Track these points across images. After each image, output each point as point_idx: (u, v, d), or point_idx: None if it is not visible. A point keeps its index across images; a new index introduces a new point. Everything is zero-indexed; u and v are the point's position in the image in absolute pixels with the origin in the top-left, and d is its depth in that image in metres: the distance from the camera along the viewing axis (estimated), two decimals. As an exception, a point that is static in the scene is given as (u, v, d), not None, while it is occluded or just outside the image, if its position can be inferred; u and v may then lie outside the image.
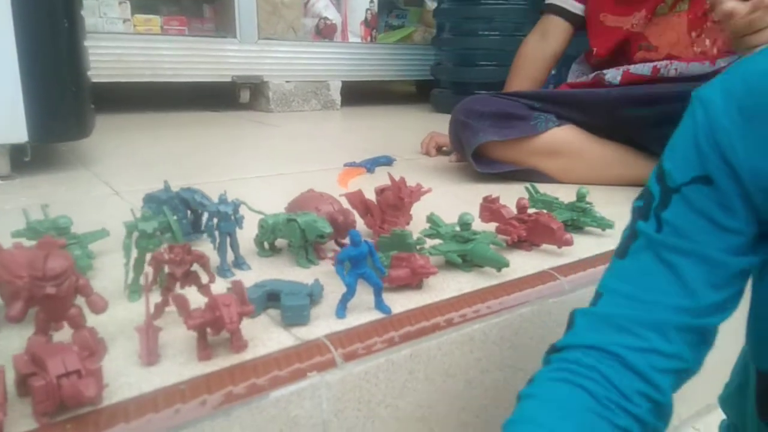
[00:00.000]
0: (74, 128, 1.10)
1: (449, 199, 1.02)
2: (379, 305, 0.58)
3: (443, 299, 0.61)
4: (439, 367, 0.58)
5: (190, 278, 0.53)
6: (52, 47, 1.04)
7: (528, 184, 0.90)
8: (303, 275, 0.67)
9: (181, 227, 0.73)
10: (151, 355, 0.48)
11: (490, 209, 0.80)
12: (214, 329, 0.48)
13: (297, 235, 0.68)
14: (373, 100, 2.64)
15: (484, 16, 2.26)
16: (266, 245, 0.72)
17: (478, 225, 0.81)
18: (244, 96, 2.28)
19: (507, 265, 0.66)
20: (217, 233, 0.66)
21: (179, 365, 0.48)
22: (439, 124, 2.13)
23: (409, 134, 1.88)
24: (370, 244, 0.57)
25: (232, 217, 0.66)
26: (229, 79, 2.19)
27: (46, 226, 0.68)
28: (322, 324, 0.55)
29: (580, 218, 0.82)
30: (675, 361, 0.43)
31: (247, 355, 0.49)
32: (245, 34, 2.18)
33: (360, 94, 2.55)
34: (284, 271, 0.68)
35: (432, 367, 0.57)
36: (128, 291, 0.60)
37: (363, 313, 0.57)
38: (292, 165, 1.28)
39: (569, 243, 0.72)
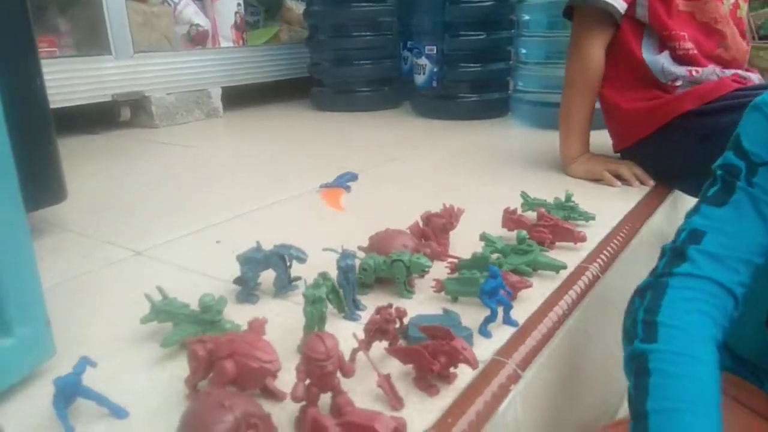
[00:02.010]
0: (53, 192, 1.04)
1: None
2: (509, 321, 0.73)
3: (542, 304, 0.78)
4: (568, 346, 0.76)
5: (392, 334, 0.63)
6: (27, 107, 0.97)
7: (521, 192, 1.10)
8: (408, 304, 0.79)
9: (283, 280, 0.81)
10: (398, 400, 0.58)
11: (512, 219, 0.98)
12: (445, 368, 0.60)
13: (403, 271, 0.79)
14: (253, 101, 2.64)
15: (356, 18, 2.40)
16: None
17: (500, 233, 1.00)
18: (125, 114, 2.16)
19: (565, 267, 0.85)
20: (345, 283, 0.75)
21: (421, 403, 0.59)
22: (325, 122, 2.26)
23: (321, 139, 1.98)
24: (499, 273, 0.71)
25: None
26: (109, 98, 2.05)
27: (176, 305, 0.71)
28: (480, 346, 0.69)
29: (570, 215, 1.04)
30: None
31: (461, 383, 0.62)
32: (120, 48, 2.05)
33: (240, 98, 2.54)
34: (395, 304, 0.79)
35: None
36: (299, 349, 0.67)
37: (497, 331, 0.72)
38: (256, 196, 1.30)
39: (584, 239, 0.94)
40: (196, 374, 0.59)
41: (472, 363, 0.57)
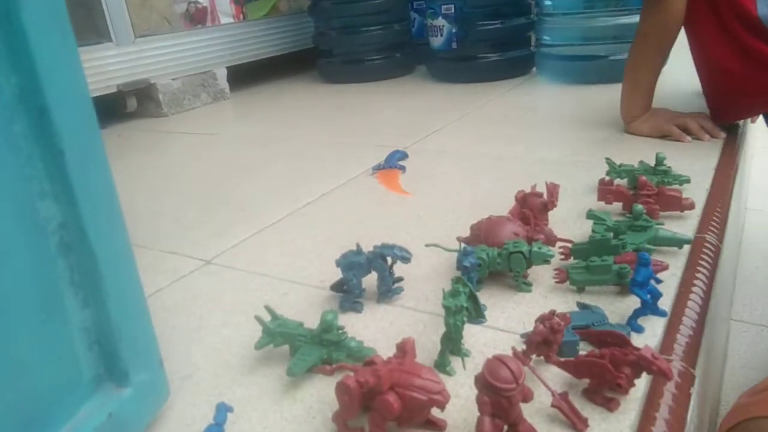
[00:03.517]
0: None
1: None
2: (656, 310, 0.66)
3: (680, 284, 0.71)
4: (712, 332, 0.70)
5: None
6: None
7: (606, 158, 1.02)
8: (529, 298, 0.72)
9: (388, 283, 0.73)
10: (581, 421, 0.51)
11: (611, 191, 0.91)
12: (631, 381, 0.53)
13: (523, 264, 0.72)
14: (259, 79, 2.51)
15: (361, -20, 2.26)
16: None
17: (595, 206, 0.93)
18: (131, 104, 2.03)
19: (690, 241, 0.78)
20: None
21: (605, 420, 0.52)
22: (339, 95, 2.16)
23: (342, 116, 1.88)
24: (650, 260, 0.64)
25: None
26: (114, 89, 1.92)
27: (291, 326, 0.63)
28: (635, 342, 0.62)
29: (663, 180, 0.97)
30: None
31: (636, 393, 0.55)
32: (120, 34, 1.91)
33: (245, 77, 2.41)
34: (513, 299, 0.72)
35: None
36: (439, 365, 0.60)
37: (647, 323, 0.65)
38: (305, 184, 1.22)
39: (693, 206, 0.87)
40: (348, 410, 0.52)
41: (668, 374, 0.50)
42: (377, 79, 2.35)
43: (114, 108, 2.02)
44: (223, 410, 0.51)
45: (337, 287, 0.75)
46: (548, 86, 1.96)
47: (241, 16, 2.38)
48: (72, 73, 0.44)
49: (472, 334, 0.66)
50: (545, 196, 0.84)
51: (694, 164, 1.09)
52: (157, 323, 0.76)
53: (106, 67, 1.88)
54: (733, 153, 1.17)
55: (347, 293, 0.74)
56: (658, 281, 0.66)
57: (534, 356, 0.57)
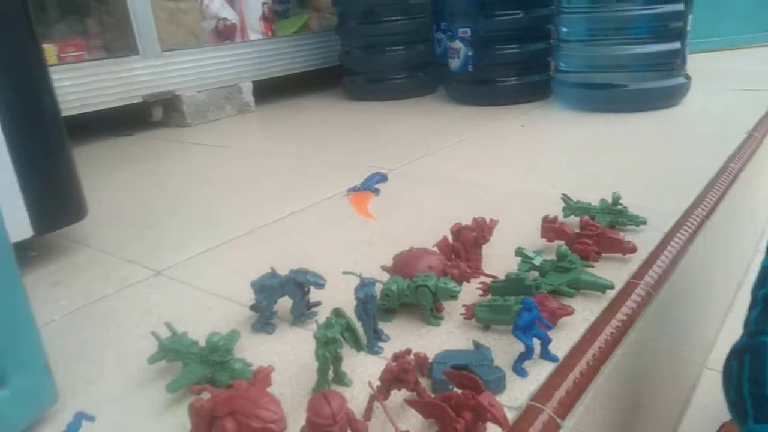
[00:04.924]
0: (73, 210, 1.01)
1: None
2: (547, 355, 0.65)
3: (586, 330, 0.70)
4: (621, 381, 0.68)
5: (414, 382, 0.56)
6: (39, 128, 0.94)
7: (562, 194, 1.00)
8: (436, 332, 0.72)
9: (300, 308, 0.75)
10: (419, 463, 0.52)
11: (553, 229, 0.89)
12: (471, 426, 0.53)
13: (429, 298, 0.72)
14: (285, 94, 2.59)
15: (386, 1, 2.30)
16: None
17: (539, 244, 0.91)
18: (157, 114, 2.14)
19: (612, 287, 0.76)
20: (364, 314, 0.69)
21: (446, 465, 0.52)
22: (357, 113, 2.20)
23: (352, 134, 1.92)
24: (535, 305, 0.63)
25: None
26: (139, 99, 2.04)
27: (185, 343, 0.66)
28: (514, 386, 0.62)
29: (618, 220, 0.94)
30: None
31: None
32: (147, 48, 2.03)
33: (271, 91, 2.49)
34: (418, 332, 0.73)
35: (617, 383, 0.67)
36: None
37: (534, 368, 0.64)
38: (284, 201, 1.25)
39: (634, 250, 0.84)
40: (197, 431, 0.54)
41: (502, 422, 0.50)
42: (399, 97, 2.38)
43: (141, 117, 2.14)
44: (79, 419, 0.54)
45: (254, 308, 0.78)
46: (562, 113, 1.93)
47: (270, 33, 2.47)
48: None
49: (362, 364, 0.67)
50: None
51: (666, 203, 1.05)
52: (87, 330, 0.81)
53: (133, 78, 2.00)
54: (717, 190, 1.12)
55: (260, 314, 0.76)
56: (549, 326, 0.65)
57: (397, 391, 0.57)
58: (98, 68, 1.90)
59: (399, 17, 2.31)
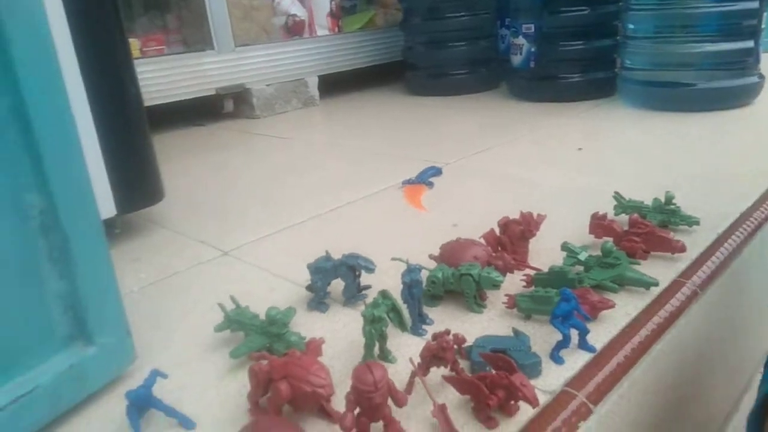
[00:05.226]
0: (152, 193, 1.11)
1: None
2: (585, 346, 0.67)
3: (626, 326, 0.71)
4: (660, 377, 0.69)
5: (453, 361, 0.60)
6: (124, 117, 1.03)
7: (614, 192, 1.01)
8: (478, 320, 0.76)
9: (351, 290, 0.80)
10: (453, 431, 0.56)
11: (602, 225, 0.91)
12: (503, 403, 0.57)
13: (472, 286, 0.76)
14: (348, 88, 2.66)
15: (451, -2, 2.32)
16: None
17: (587, 240, 0.93)
18: (228, 106, 2.26)
19: (657, 284, 0.77)
20: (409, 298, 0.73)
21: (479, 438, 0.56)
22: (418, 107, 2.24)
23: (411, 128, 1.96)
24: (573, 296, 0.66)
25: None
26: (213, 92, 2.16)
27: (247, 316, 0.73)
28: (550, 372, 0.64)
29: (670, 219, 0.94)
30: None
31: (522, 417, 0.58)
32: (222, 43, 2.14)
33: (335, 85, 2.57)
34: (461, 318, 0.77)
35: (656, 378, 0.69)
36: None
37: (571, 356, 0.67)
38: (342, 191, 1.31)
39: (684, 249, 0.85)
40: (255, 392, 0.60)
41: (532, 401, 0.54)
42: (460, 93, 2.40)
43: (213, 108, 2.26)
44: (154, 376, 0.61)
45: (309, 288, 0.84)
46: (626, 111, 1.90)
47: (336, 29, 2.54)
48: (54, 94, 0.57)
49: (407, 344, 0.72)
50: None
51: (724, 205, 1.04)
52: (163, 301, 0.90)
53: (208, 71, 2.12)
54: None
55: (314, 294, 0.82)
56: (588, 318, 0.68)
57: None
58: (176, 62, 2.03)
59: (463, 13, 2.33)
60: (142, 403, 0.60)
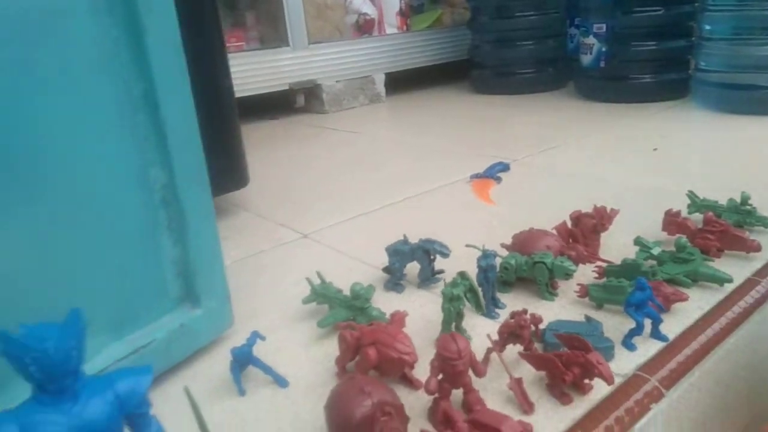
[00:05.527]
0: (240, 177, 1.19)
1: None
2: (658, 335, 0.70)
3: (698, 319, 0.73)
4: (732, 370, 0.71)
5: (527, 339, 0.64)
6: (219, 107, 1.12)
7: (688, 191, 1.01)
8: (549, 307, 0.79)
9: (426, 273, 0.85)
10: (529, 404, 0.60)
11: (675, 222, 0.92)
12: (579, 380, 0.60)
13: (545, 274, 0.79)
14: (413, 86, 2.71)
15: (521, -3, 2.33)
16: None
17: (659, 238, 0.94)
18: (300, 101, 2.35)
19: (731, 280, 0.78)
20: (484, 281, 0.77)
21: (553, 410, 0.60)
22: (484, 106, 2.26)
23: (476, 125, 1.98)
24: (648, 286, 0.68)
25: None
26: (286, 87, 2.25)
27: (332, 290, 0.79)
28: (622, 357, 0.67)
29: (745, 219, 0.94)
30: None
31: (596, 395, 0.61)
32: (297, 40, 2.23)
33: (401, 83, 2.62)
34: (532, 305, 0.80)
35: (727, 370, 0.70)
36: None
37: (644, 344, 0.69)
38: (411, 184, 1.36)
39: (759, 249, 0.85)
40: (344, 356, 0.66)
41: (608, 378, 0.57)
42: (526, 92, 2.40)
43: (286, 103, 2.36)
44: (255, 336, 0.68)
45: (386, 270, 0.89)
46: (699, 113, 1.86)
47: (405, 27, 2.59)
48: (179, 81, 0.64)
49: (480, 325, 0.76)
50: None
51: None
52: (250, 275, 0.97)
53: (282, 68, 2.21)
54: None
55: (391, 275, 0.87)
56: (662, 308, 0.70)
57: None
58: (254, 57, 2.14)
59: (532, 12, 2.34)
60: (244, 360, 0.66)
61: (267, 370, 0.67)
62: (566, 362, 0.59)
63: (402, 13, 2.58)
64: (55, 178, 0.57)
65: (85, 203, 0.60)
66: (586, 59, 2.13)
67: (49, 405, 0.36)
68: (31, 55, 0.54)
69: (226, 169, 1.15)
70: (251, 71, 2.13)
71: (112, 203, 0.62)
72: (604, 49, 2.05)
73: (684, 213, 0.97)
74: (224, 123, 1.13)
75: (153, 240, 0.67)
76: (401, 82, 2.62)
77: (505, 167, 1.39)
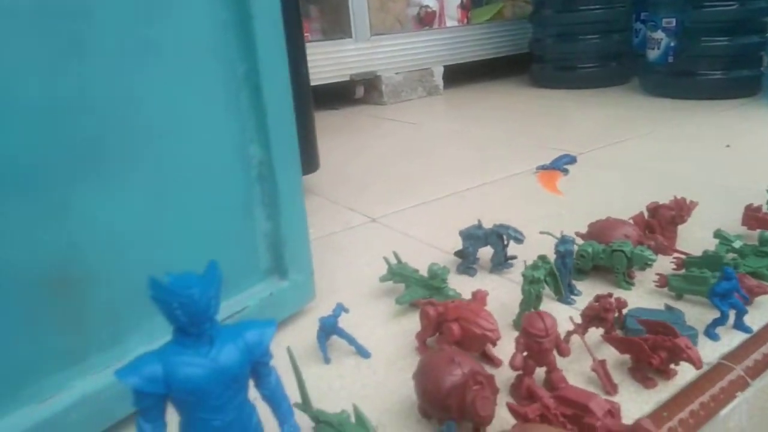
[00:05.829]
0: (312, 162, 1.23)
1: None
2: (741, 326, 0.69)
3: (783, 312, 0.72)
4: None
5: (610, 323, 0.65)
6: (296, 93, 1.15)
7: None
8: (626, 296, 0.79)
9: (500, 258, 0.86)
10: (612, 386, 0.61)
11: (756, 217, 0.90)
12: (665, 364, 0.60)
13: (624, 262, 0.79)
14: (471, 78, 2.71)
15: (586, -10, 2.30)
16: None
17: (738, 232, 0.92)
18: (359, 92, 2.38)
19: (817, 275, 0.77)
20: (562, 267, 0.78)
21: (637, 393, 0.61)
22: (544, 99, 2.24)
23: (537, 119, 1.97)
24: (735, 276, 0.68)
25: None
26: (347, 78, 2.29)
27: (408, 270, 0.82)
28: (706, 347, 0.67)
29: (831, 217, 0.92)
30: None
31: (680, 380, 0.62)
32: (359, 32, 2.26)
33: (459, 75, 2.63)
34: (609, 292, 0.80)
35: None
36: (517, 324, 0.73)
37: (727, 334, 0.69)
38: (474, 173, 1.38)
39: None
40: (426, 331, 0.68)
41: (696, 362, 0.57)
42: (588, 86, 2.37)
43: (345, 93, 2.40)
44: (340, 308, 0.71)
45: (459, 253, 0.91)
46: (772, 111, 1.80)
47: (465, 20, 2.59)
48: (278, 63, 0.68)
49: (555, 310, 0.77)
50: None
51: None
52: (324, 254, 1.01)
53: (344, 59, 2.25)
54: None
55: (464, 259, 0.89)
56: (746, 298, 0.69)
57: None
58: (318, 48, 2.18)
59: (597, 6, 2.30)
60: (330, 329, 0.69)
61: (351, 340, 0.70)
62: (652, 346, 0.60)
63: (463, 6, 2.58)
64: (169, 150, 0.61)
65: (192, 175, 0.64)
66: (653, 54, 2.09)
67: (189, 347, 0.39)
68: (154, 34, 0.58)
69: (301, 154, 1.18)
70: (314, 62, 2.15)
71: (216, 176, 0.66)
72: (672, 44, 2.00)
73: (764, 209, 0.95)
74: (300, 109, 1.16)
75: (249, 213, 0.71)
76: (458, 75, 2.63)
77: (572, 159, 1.38)
